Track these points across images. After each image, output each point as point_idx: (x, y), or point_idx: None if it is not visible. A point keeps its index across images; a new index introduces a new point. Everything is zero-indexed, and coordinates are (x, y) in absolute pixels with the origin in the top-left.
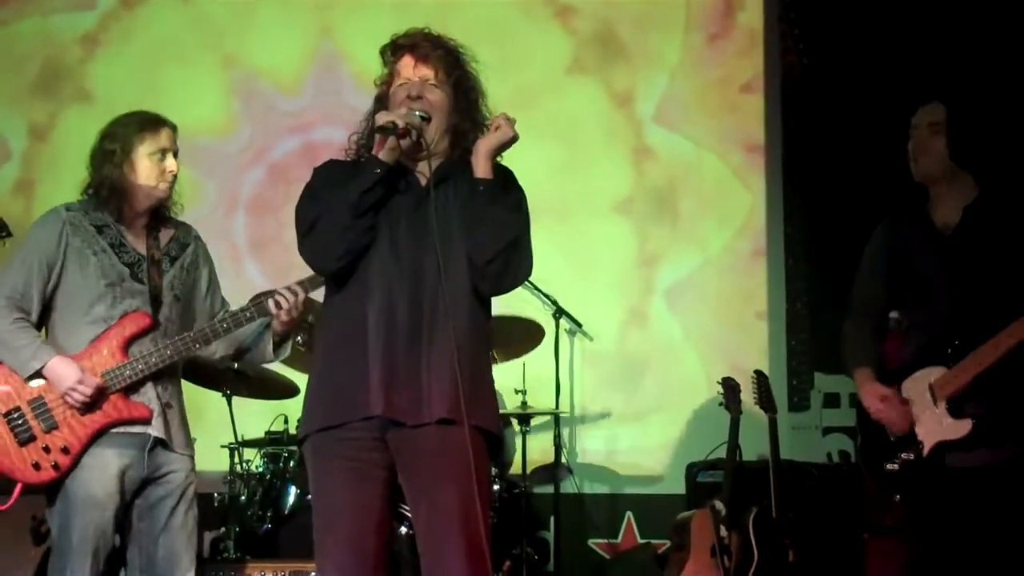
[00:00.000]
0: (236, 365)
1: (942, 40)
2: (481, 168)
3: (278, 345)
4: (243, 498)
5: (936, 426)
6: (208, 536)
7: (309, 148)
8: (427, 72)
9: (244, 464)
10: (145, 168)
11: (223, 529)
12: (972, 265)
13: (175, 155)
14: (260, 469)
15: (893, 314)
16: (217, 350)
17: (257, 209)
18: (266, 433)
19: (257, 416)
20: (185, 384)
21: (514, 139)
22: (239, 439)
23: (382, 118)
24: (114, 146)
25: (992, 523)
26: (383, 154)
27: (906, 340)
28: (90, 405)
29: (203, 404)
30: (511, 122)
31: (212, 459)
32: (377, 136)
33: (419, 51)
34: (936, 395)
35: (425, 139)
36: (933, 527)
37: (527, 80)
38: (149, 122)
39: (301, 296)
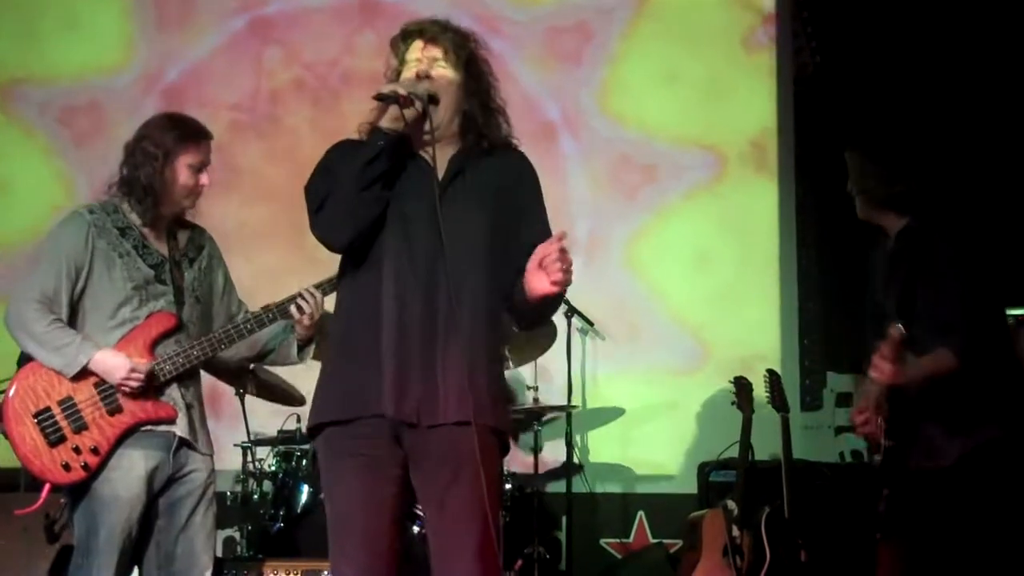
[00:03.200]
0: (252, 366)
1: (953, 37)
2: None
3: (302, 347)
4: (256, 497)
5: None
6: (221, 535)
7: None
8: (436, 52)
9: (257, 463)
10: (183, 178)
11: (236, 528)
12: (903, 287)
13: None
14: (273, 468)
15: None
16: (239, 351)
17: None
18: (279, 432)
19: (270, 415)
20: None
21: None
22: (252, 438)
23: (383, 87)
24: (158, 151)
25: (944, 525)
26: (385, 122)
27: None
28: (132, 395)
29: (216, 403)
30: (566, 270)
31: (225, 458)
32: (379, 105)
33: (427, 34)
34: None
35: (432, 119)
36: (907, 527)
37: (711, 132)
38: (194, 133)
39: (320, 298)
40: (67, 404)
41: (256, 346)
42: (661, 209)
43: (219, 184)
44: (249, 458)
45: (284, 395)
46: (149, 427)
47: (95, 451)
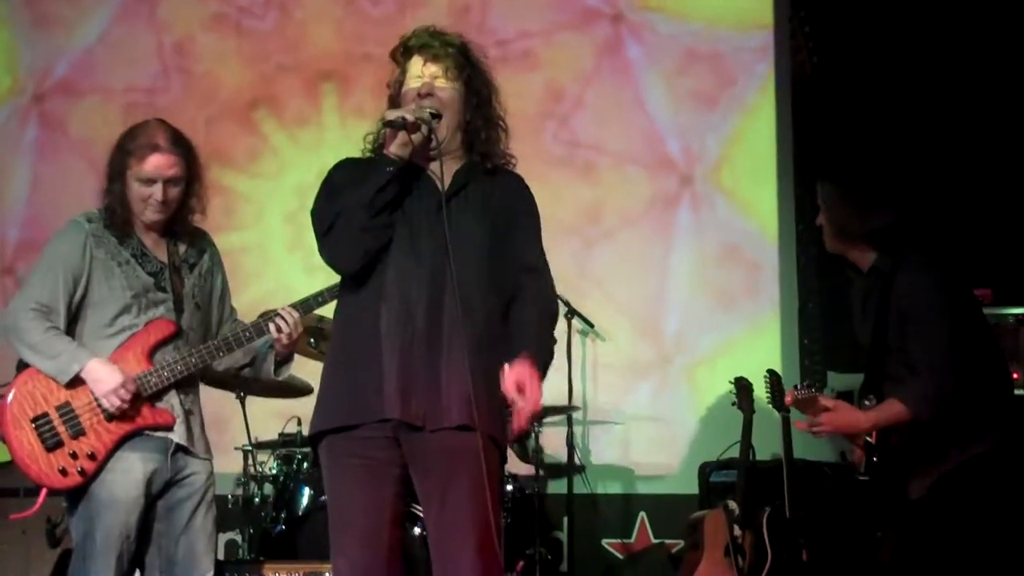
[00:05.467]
0: (246, 372)
1: (951, 37)
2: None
3: (280, 365)
4: (257, 500)
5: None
6: (222, 538)
7: None
8: (436, 70)
9: (258, 466)
10: (133, 190)
11: (237, 531)
12: (876, 324)
13: (175, 182)
14: (274, 471)
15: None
16: (235, 359)
17: None
18: (280, 435)
19: (271, 418)
20: (203, 387)
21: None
22: (253, 441)
23: (391, 114)
24: (118, 159)
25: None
26: (394, 148)
27: None
28: (123, 411)
29: (217, 407)
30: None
31: (226, 461)
32: (387, 131)
33: (428, 51)
34: None
35: (436, 136)
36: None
37: None
38: (143, 146)
39: (297, 317)
40: (65, 409)
41: (251, 353)
42: (753, 326)
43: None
44: (250, 461)
45: (289, 388)
46: (147, 432)
47: (92, 456)
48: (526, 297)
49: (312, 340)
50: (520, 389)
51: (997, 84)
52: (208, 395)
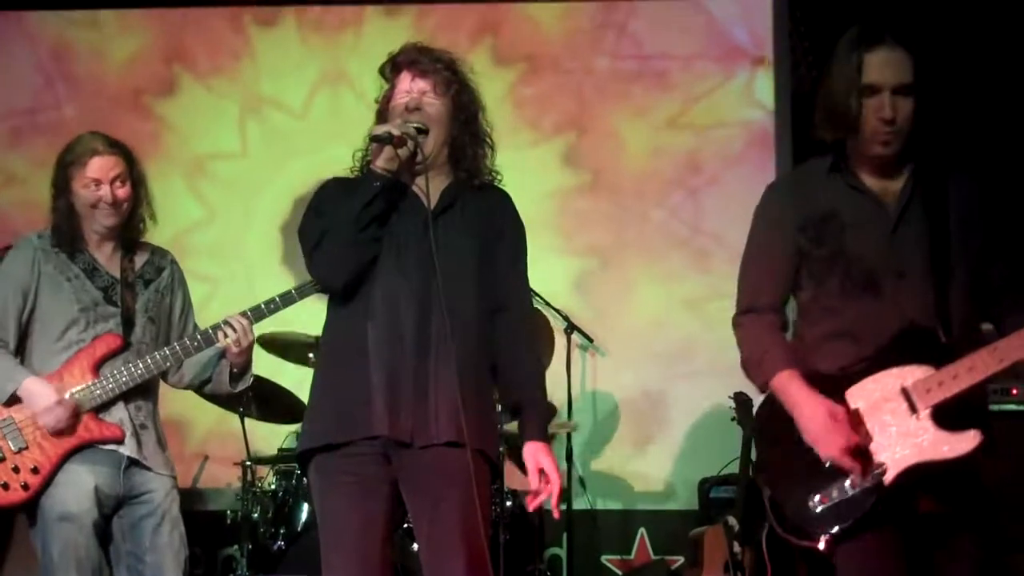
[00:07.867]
0: (207, 388)
1: (949, 46)
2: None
3: (236, 377)
4: (256, 515)
5: (910, 442)
6: (221, 554)
7: None
8: (424, 85)
9: (257, 481)
10: (81, 198)
11: (236, 546)
12: (936, 242)
13: (122, 181)
14: (273, 486)
15: None
16: (194, 372)
17: None
18: (279, 450)
19: (270, 434)
20: (203, 402)
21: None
22: (252, 457)
23: (378, 129)
24: (60, 175)
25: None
26: (381, 163)
27: (842, 339)
28: (62, 428)
29: (216, 423)
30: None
31: (225, 477)
32: (373, 146)
33: (417, 66)
34: (917, 402)
35: (422, 151)
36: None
37: None
38: (83, 154)
39: (247, 324)
40: (6, 424)
41: (200, 366)
42: None
43: None
44: (249, 476)
45: (289, 409)
46: (97, 445)
47: (35, 471)
48: (515, 340)
49: (312, 355)
50: (542, 474)
51: (1001, 95)
52: (208, 410)
